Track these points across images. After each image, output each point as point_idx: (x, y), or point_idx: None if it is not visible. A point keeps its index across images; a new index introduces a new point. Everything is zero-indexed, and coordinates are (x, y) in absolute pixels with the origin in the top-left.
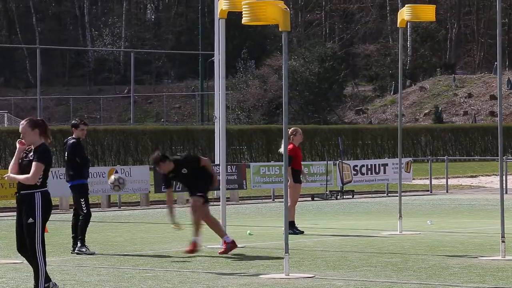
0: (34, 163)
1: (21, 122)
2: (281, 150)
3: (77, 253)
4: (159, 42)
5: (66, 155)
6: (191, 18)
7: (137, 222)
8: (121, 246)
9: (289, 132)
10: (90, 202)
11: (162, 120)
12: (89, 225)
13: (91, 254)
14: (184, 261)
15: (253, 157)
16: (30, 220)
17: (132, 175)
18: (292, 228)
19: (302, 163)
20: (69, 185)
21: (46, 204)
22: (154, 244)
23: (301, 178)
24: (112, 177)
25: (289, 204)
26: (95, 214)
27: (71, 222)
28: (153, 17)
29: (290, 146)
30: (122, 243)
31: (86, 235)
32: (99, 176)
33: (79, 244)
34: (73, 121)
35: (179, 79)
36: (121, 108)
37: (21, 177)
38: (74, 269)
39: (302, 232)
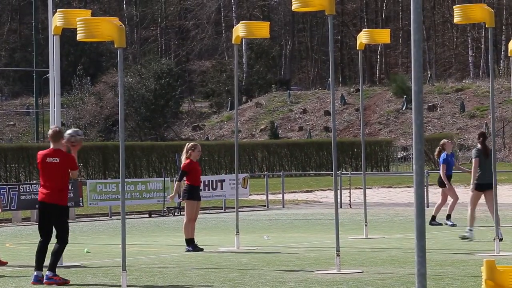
0: None
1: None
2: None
3: None
4: None
5: None
6: (25, 35)
7: None
8: None
9: (188, 147)
10: None
11: None
12: None
13: None
14: (20, 280)
15: (90, 174)
16: None
17: None
18: (191, 245)
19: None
20: None
21: None
22: None
23: None
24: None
25: (185, 221)
26: None
27: None
28: None
29: (187, 161)
30: None
31: None
32: None
33: None
34: None
35: (13, 96)
36: None
37: None
38: None
39: (202, 250)
